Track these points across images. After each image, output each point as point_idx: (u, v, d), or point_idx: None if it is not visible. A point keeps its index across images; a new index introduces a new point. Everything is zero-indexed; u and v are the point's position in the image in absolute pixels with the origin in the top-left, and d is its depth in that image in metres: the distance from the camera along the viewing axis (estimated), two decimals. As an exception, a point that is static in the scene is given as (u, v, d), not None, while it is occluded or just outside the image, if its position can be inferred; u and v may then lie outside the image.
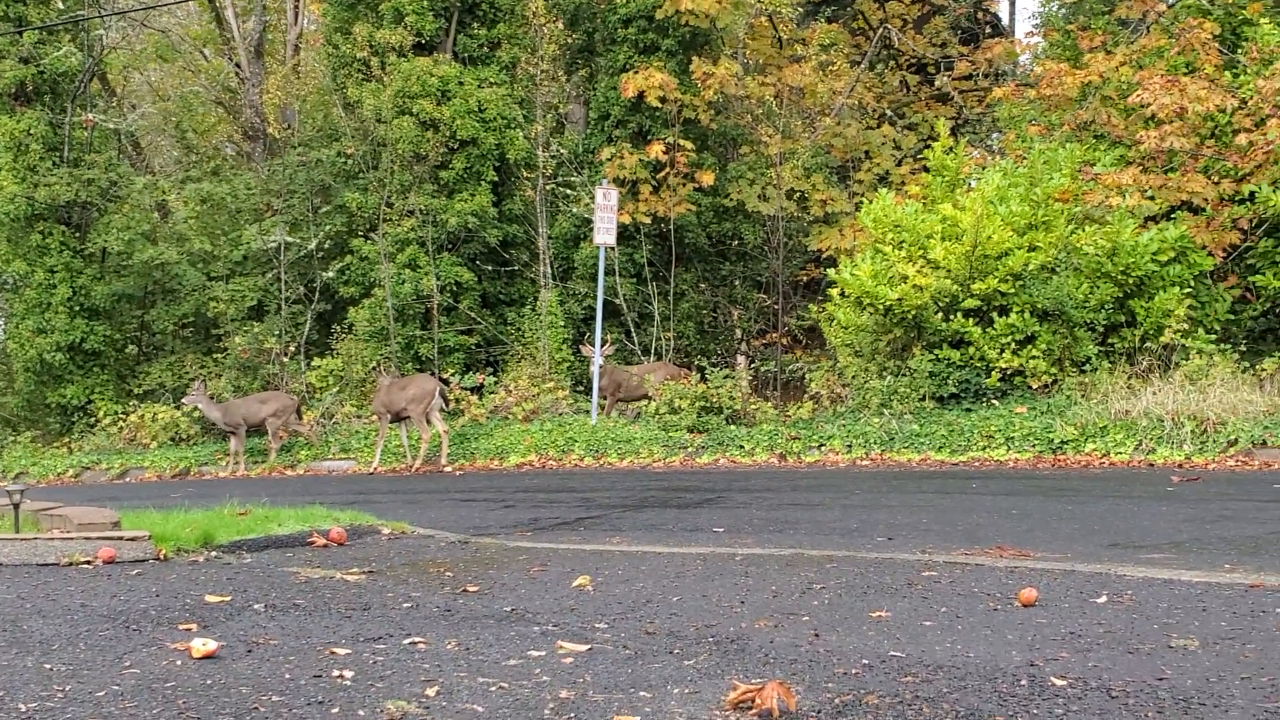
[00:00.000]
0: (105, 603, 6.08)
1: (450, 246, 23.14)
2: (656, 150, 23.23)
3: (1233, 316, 17.87)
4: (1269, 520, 9.31)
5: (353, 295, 23.49)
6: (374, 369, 21.93)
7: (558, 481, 15.53)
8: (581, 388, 21.76)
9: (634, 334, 23.91)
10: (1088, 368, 16.65)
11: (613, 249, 21.90)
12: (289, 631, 5.41)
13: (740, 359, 23.18)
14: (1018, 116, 22.29)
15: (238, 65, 31.55)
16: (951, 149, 19.28)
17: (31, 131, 23.60)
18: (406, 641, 5.18)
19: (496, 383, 21.46)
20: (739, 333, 26.61)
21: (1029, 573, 6.75)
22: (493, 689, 4.38)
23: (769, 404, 19.62)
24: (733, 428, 18.10)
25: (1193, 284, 17.20)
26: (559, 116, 26.89)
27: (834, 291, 18.66)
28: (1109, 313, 17.03)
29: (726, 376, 19.39)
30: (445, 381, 20.50)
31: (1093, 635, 5.20)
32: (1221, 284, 18.00)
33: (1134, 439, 14.78)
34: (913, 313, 17.06)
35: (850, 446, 16.60)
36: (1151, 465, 14.07)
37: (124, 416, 22.76)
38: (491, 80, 23.61)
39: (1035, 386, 16.78)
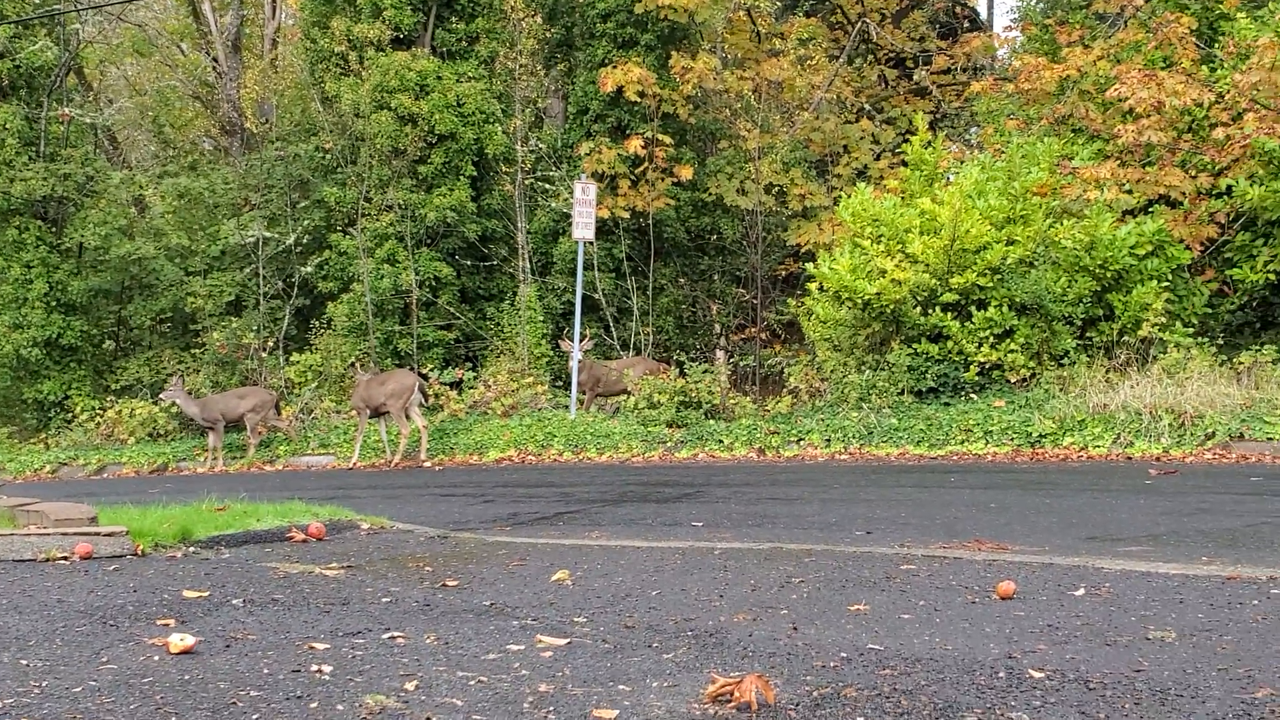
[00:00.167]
0: (82, 598, 6.05)
1: (429, 241, 23.10)
2: (635, 145, 23.23)
3: (1210, 310, 17.94)
4: (1246, 513, 9.35)
5: (331, 290, 23.43)
6: (351, 365, 21.87)
7: (537, 476, 15.52)
8: (561, 383, 21.75)
9: (613, 329, 23.92)
10: (1066, 361, 16.71)
11: (591, 244, 21.89)
12: (267, 626, 5.39)
13: (719, 354, 23.20)
14: (996, 111, 22.35)
15: (215, 60, 31.44)
16: (930, 143, 19.32)
17: (7, 126, 23.47)
18: (385, 636, 5.17)
19: (475, 378, 21.44)
20: (718, 327, 26.63)
21: (1007, 566, 6.78)
22: (472, 683, 4.37)
23: (748, 399, 19.65)
24: (711, 422, 18.11)
25: (1170, 278, 17.26)
26: (538, 111, 26.87)
27: (812, 286, 18.67)
28: (1087, 306, 17.08)
29: (705, 371, 19.40)
30: (424, 377, 20.47)
31: (1070, 627, 5.22)
32: (1199, 277, 18.07)
33: (1112, 432, 14.83)
34: (891, 307, 17.09)
35: (829, 441, 16.62)
36: (1129, 458, 14.13)
37: (101, 412, 22.68)
38: (470, 75, 23.57)
39: (1013, 380, 16.83)
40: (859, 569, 6.82)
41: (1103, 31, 21.00)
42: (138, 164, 31.87)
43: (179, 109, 32.48)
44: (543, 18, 25.72)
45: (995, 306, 16.82)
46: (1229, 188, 17.31)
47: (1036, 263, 17.09)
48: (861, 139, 26.52)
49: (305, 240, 24.48)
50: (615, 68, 23.34)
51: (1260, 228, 17.76)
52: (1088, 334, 17.26)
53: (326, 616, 5.63)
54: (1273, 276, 17.55)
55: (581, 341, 20.23)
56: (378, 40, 23.19)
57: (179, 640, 4.84)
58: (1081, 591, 5.97)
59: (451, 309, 23.05)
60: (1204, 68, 18.41)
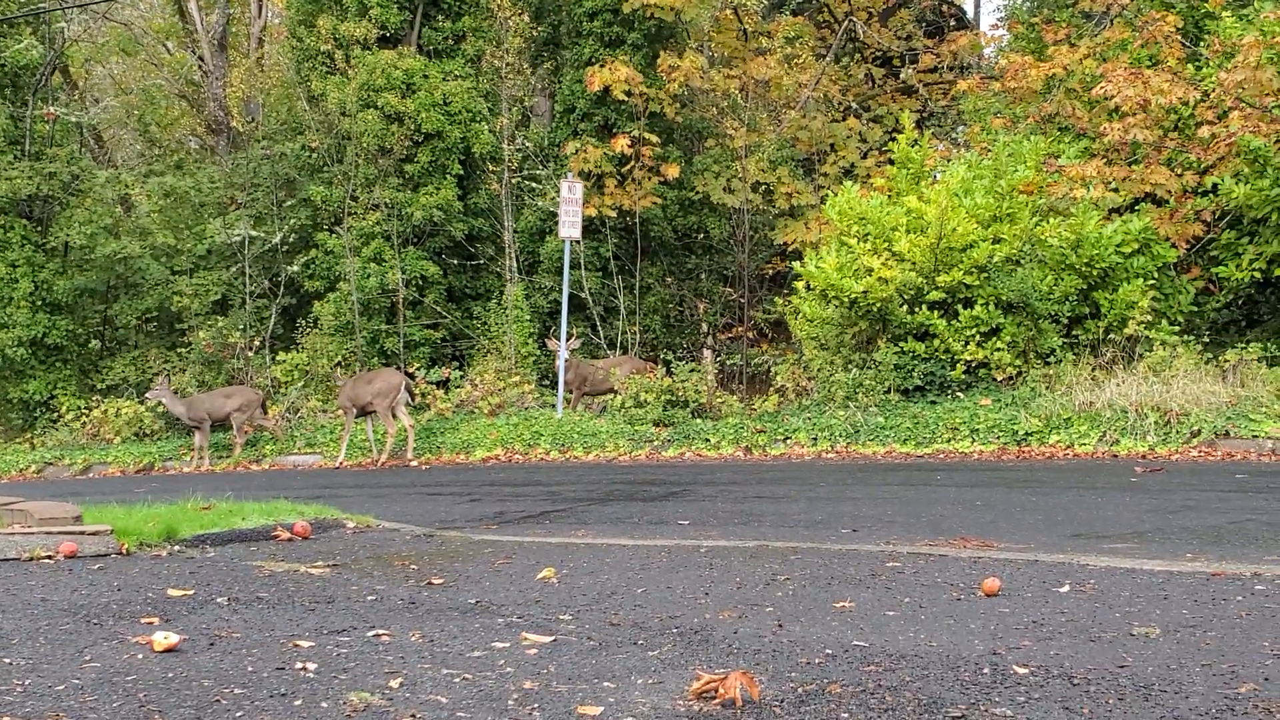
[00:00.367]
0: (66, 597, 6.03)
1: (415, 240, 23.08)
2: (622, 144, 23.23)
3: (1196, 308, 17.99)
4: (1231, 510, 9.38)
5: (318, 289, 23.39)
6: (336, 365, 21.84)
7: (524, 475, 15.51)
8: (547, 382, 21.75)
9: (600, 328, 23.91)
10: (1052, 359, 16.74)
11: (578, 242, 21.88)
12: (252, 624, 5.37)
13: (707, 353, 23.20)
14: (982, 109, 22.38)
15: (201, 58, 31.37)
16: (916, 142, 19.34)
17: (-8, 125, 23.43)
18: (370, 634, 5.16)
19: (462, 377, 21.42)
20: (705, 326, 26.64)
21: (992, 563, 6.79)
22: (457, 680, 4.37)
23: (735, 397, 19.66)
24: (698, 421, 18.12)
25: (1156, 276, 17.30)
26: (524, 110, 26.86)
27: (799, 284, 18.69)
28: (1073, 304, 17.11)
29: (692, 370, 19.41)
30: (411, 376, 20.45)
31: (1055, 624, 5.22)
32: (1185, 276, 18.11)
33: (1098, 430, 14.86)
34: (878, 305, 17.10)
35: (815, 439, 16.63)
36: (1115, 456, 14.15)
37: (87, 412, 22.62)
38: (456, 73, 23.55)
39: (1000, 378, 16.86)
40: (844, 566, 6.83)
41: (1089, 30, 21.05)
42: (123, 163, 31.80)
43: (165, 108, 32.35)
44: (529, 16, 25.71)
45: (982, 305, 16.84)
46: (1214, 186, 17.35)
47: (1023, 261, 17.11)
48: (848, 137, 26.56)
49: (291, 239, 24.45)
50: (603, 67, 23.34)
51: (1246, 226, 17.80)
52: (1074, 332, 17.29)
53: (311, 615, 5.62)
54: (1258, 274, 17.60)
55: (568, 341, 20.23)
56: (364, 39, 23.16)
57: (163, 638, 4.83)
58: (1066, 588, 5.98)
59: (438, 308, 23.03)
60: (1190, 66, 18.45)
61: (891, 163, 19.94)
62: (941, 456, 15.14)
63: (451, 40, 24.25)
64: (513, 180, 24.30)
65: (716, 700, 4.03)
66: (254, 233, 24.03)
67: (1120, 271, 17.11)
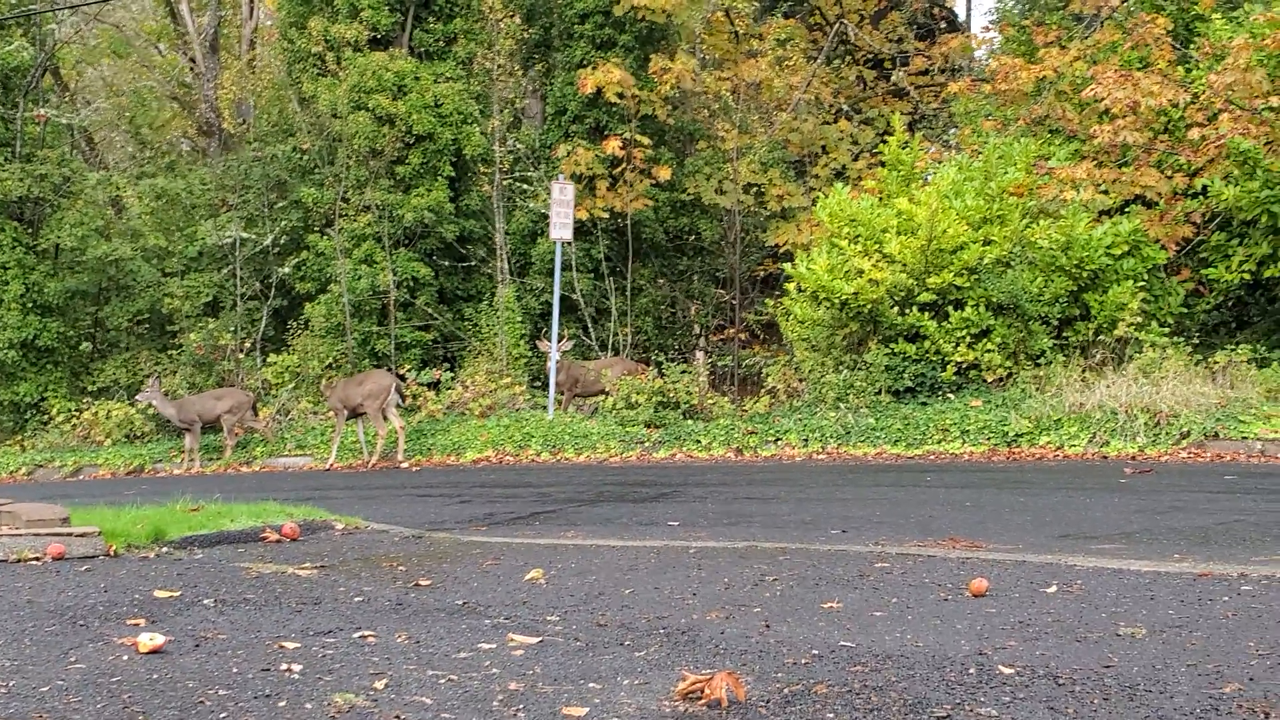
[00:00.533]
0: (53, 598, 6.03)
1: (407, 242, 23.06)
2: (613, 146, 23.23)
3: (1186, 309, 18.00)
4: (1219, 511, 9.40)
5: (309, 291, 23.36)
6: (326, 368, 21.82)
7: (514, 477, 15.51)
8: (539, 383, 21.74)
9: (591, 329, 23.91)
10: (1042, 361, 16.75)
11: (570, 244, 21.88)
12: (238, 626, 5.37)
13: (699, 354, 23.20)
14: (973, 111, 22.41)
15: (192, 60, 31.35)
16: (906, 144, 19.36)
17: (-18, 126, 23.40)
18: (356, 635, 5.16)
19: (453, 378, 21.40)
20: (697, 328, 26.65)
21: (980, 564, 6.79)
22: (442, 681, 4.37)
23: (726, 399, 19.67)
24: (689, 422, 18.11)
25: (1146, 277, 17.32)
26: (516, 111, 26.84)
27: (790, 286, 18.68)
28: (1063, 306, 17.13)
29: (684, 372, 19.42)
30: (402, 377, 20.43)
31: (1041, 624, 5.23)
32: (1174, 277, 18.14)
33: (1088, 431, 14.87)
34: (868, 307, 17.11)
35: (806, 441, 16.63)
36: (1105, 458, 14.17)
37: (78, 414, 22.58)
38: (448, 75, 23.54)
39: (990, 380, 16.87)
40: (833, 567, 6.83)
41: (1079, 32, 21.08)
42: (115, 165, 31.74)
43: (156, 110, 32.35)
44: (521, 18, 25.70)
45: (972, 306, 16.85)
46: (1204, 188, 17.37)
47: (1013, 263, 17.13)
48: (840, 140, 26.57)
49: (283, 241, 24.41)
50: (595, 69, 23.34)
51: (1235, 228, 17.83)
52: (1064, 334, 17.31)
53: (298, 616, 5.61)
54: (1248, 276, 17.62)
55: (559, 342, 20.22)
56: (355, 40, 23.15)
57: (148, 640, 4.83)
58: (1053, 589, 5.99)
59: (429, 310, 23.01)
60: (1180, 68, 18.48)
61: (882, 165, 19.95)
62: (932, 458, 15.15)
63: (443, 42, 24.24)
64: (504, 182, 24.29)
65: (702, 701, 4.04)
66: (245, 235, 23.99)
67: (1110, 273, 17.13)
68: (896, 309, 17.21)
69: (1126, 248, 17.13)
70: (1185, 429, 14.31)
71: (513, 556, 7.56)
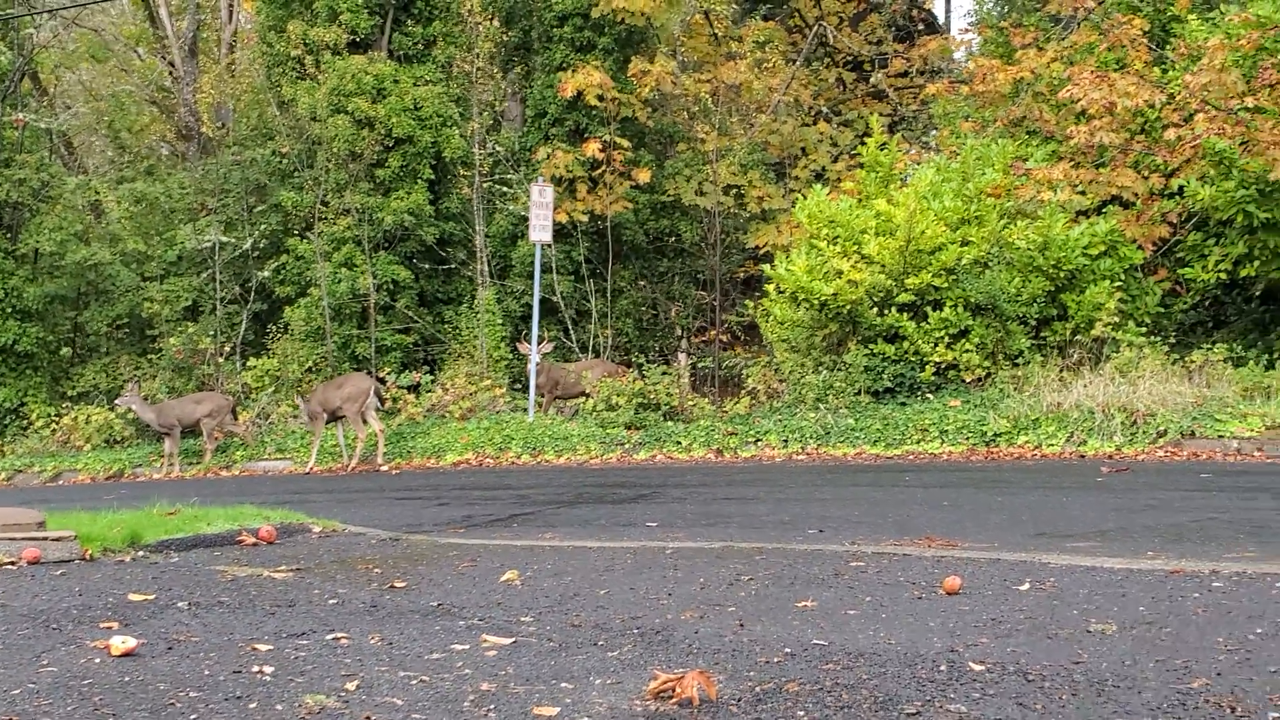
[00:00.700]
0: (26, 602, 6.02)
1: (387, 245, 23.03)
2: (593, 148, 23.23)
3: (1162, 309, 18.08)
4: (1193, 509, 9.45)
5: (289, 295, 23.31)
6: (306, 372, 21.77)
7: (494, 479, 15.51)
8: (519, 386, 21.73)
9: (572, 331, 23.90)
10: (1020, 361, 16.81)
11: (549, 246, 21.88)
12: (211, 628, 5.37)
13: (681, 356, 23.20)
14: (952, 113, 22.47)
15: (171, 64, 31.26)
16: (885, 145, 19.41)
17: (-40, 131, 23.31)
18: (329, 637, 5.16)
19: (433, 381, 21.37)
20: (679, 330, 26.66)
21: (955, 562, 6.82)
22: (413, 682, 4.37)
23: (706, 400, 19.69)
24: (670, 424, 18.13)
25: (1123, 277, 17.40)
26: (495, 114, 26.84)
27: (770, 287, 18.72)
28: (1041, 306, 17.19)
29: (664, 373, 19.43)
30: (381, 380, 20.41)
31: (1013, 621, 5.26)
32: (1151, 277, 18.21)
33: (1065, 431, 14.93)
34: (848, 308, 17.15)
35: (786, 441, 16.66)
36: (1082, 456, 14.23)
37: (57, 419, 22.49)
38: (427, 78, 23.52)
39: (969, 380, 16.92)
40: (809, 566, 6.85)
41: (1056, 34, 21.15)
42: (94, 169, 31.66)
43: (135, 114, 32.21)
44: (500, 21, 25.70)
45: (950, 307, 16.90)
46: (1180, 188, 17.45)
47: (991, 263, 17.19)
48: (819, 141, 26.62)
49: (262, 245, 24.36)
50: (574, 72, 23.35)
51: (1211, 228, 17.91)
52: (1042, 334, 17.37)
53: (271, 618, 5.61)
54: (1224, 276, 17.70)
55: (540, 344, 20.22)
56: (334, 44, 23.11)
57: (120, 642, 4.83)
58: (1026, 586, 6.02)
59: (410, 312, 22.99)
60: (1156, 69, 18.57)
61: (861, 166, 20.00)
62: (911, 458, 15.19)
63: (422, 45, 24.22)
64: (484, 185, 24.28)
65: (673, 700, 4.05)
66: (225, 238, 23.92)
67: (1087, 273, 17.21)
68: (875, 310, 17.25)
69: (1103, 248, 17.20)
70: (1162, 428, 14.38)
71: (489, 558, 7.57)
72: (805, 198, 19.02)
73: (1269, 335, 17.87)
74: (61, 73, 32.67)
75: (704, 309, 26.29)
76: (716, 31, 28.97)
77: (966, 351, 16.81)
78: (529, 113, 25.44)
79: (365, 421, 18.70)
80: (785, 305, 18.28)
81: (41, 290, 23.88)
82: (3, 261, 23.74)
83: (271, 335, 23.21)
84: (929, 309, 17.12)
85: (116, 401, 21.12)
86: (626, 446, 17.61)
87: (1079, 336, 16.86)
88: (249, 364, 22.93)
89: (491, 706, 4.03)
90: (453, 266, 24.25)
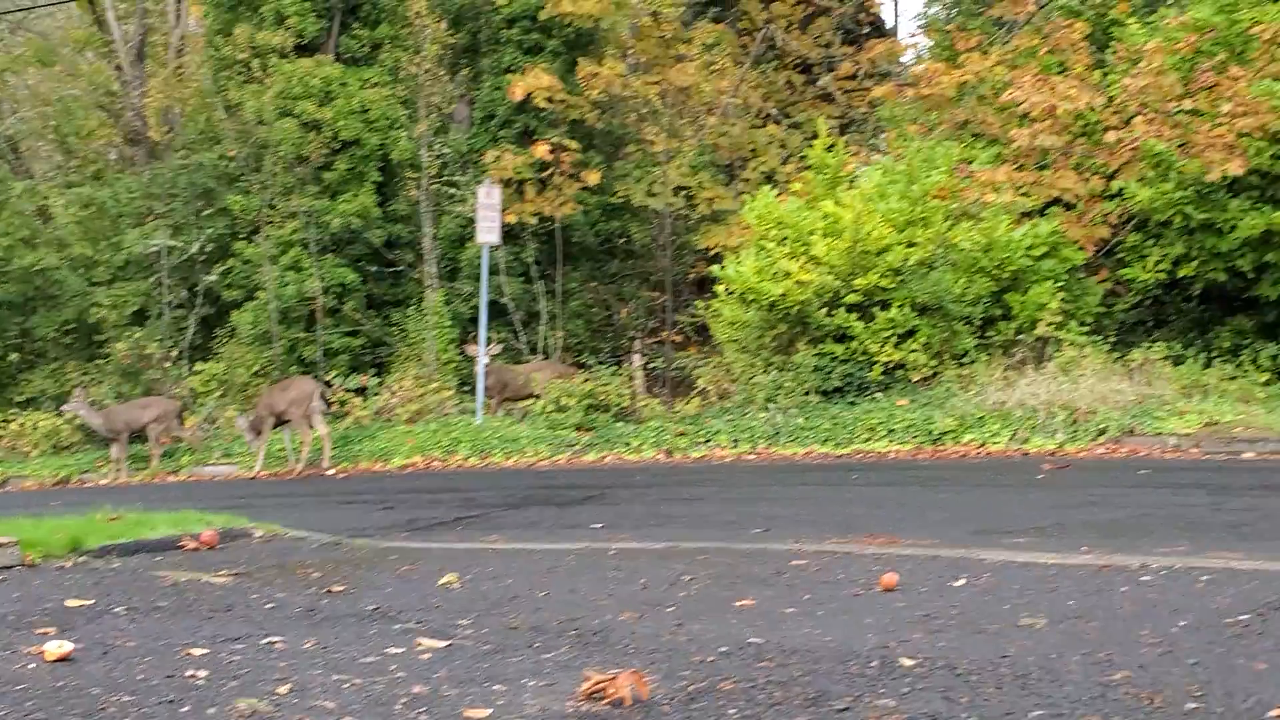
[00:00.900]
0: (-36, 610, 5.99)
1: (334, 248, 22.93)
2: (542, 150, 23.19)
3: (1104, 309, 18.26)
4: (1130, 505, 9.59)
5: (236, 299, 23.17)
6: (254, 375, 21.65)
7: (441, 482, 15.48)
8: (468, 388, 21.63)
9: (521, 333, 23.88)
10: (966, 360, 16.94)
11: (498, 248, 21.85)
12: (148, 633, 5.37)
13: (635, 357, 23.20)
14: (899, 116, 22.60)
15: (119, 68, 30.98)
16: (832, 147, 19.49)
17: (-97, 135, 23.06)
18: (265, 641, 5.17)
19: (381, 384, 21.27)
20: (631, 331, 26.68)
21: (895, 559, 6.88)
22: (346, 686, 4.39)
23: (657, 400, 19.72)
24: (620, 425, 18.14)
25: (1065, 278, 17.54)
26: (443, 116, 26.75)
27: (720, 288, 18.78)
28: (986, 306, 17.33)
29: (615, 374, 19.44)
30: (328, 384, 20.32)
31: (946, 617, 5.33)
32: (1093, 278, 18.41)
33: (1009, 429, 15.07)
34: (796, 308, 17.23)
35: (736, 441, 16.71)
36: (1026, 454, 14.36)
37: (4, 425, 22.26)
38: (374, 81, 23.45)
39: (916, 379, 17.02)
40: (750, 566, 6.91)
41: (1000, 37, 21.31)
42: (41, 174, 31.34)
43: (83, 118, 31.91)
44: (448, 23, 25.62)
45: (897, 307, 17.00)
46: (1120, 190, 17.65)
47: (936, 264, 17.32)
48: (769, 143, 26.71)
49: (209, 249, 24.17)
50: (524, 75, 23.30)
51: (1151, 228, 18.12)
52: (987, 333, 17.50)
53: (209, 623, 5.62)
54: (1163, 276, 17.92)
55: (488, 346, 20.17)
56: (281, 47, 22.99)
57: (55, 647, 4.82)
58: (962, 582, 6.10)
59: (357, 315, 22.91)
60: (1096, 73, 18.76)
61: (810, 168, 20.07)
62: (859, 457, 15.29)
63: (369, 48, 24.14)
64: (432, 187, 24.21)
65: (606, 700, 4.08)
66: (172, 243, 23.75)
67: (1030, 274, 17.36)
68: (824, 310, 17.32)
69: (1046, 249, 17.37)
70: (1103, 425, 14.56)
71: (430, 562, 7.57)
72: (755, 199, 19.09)
73: (1207, 334, 18.13)
74: (7, 77, 32.34)
75: (656, 310, 26.33)
76: (665, 34, 29.00)
77: (913, 351, 16.92)
78: (477, 115, 25.41)
79: (311, 425, 18.59)
80: (735, 306, 18.35)
81: (-13, 296, 23.66)
82: (-52, 268, 23.50)
83: (219, 339, 23.07)
84: (876, 309, 17.21)
85: (64, 407, 20.92)
86: (576, 448, 17.60)
87: (1023, 336, 17.00)
88: (196, 369, 22.78)
89: (423, 709, 4.06)
90: (401, 269, 24.18)
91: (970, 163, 18.27)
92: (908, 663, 4.53)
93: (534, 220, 23.47)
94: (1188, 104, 16.53)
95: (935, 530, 8.46)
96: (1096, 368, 15.63)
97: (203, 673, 4.57)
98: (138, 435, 20.30)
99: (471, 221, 22.65)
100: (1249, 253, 16.95)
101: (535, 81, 22.88)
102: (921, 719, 3.85)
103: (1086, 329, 17.19)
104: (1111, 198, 17.98)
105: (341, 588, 6.63)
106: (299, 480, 17.58)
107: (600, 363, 21.07)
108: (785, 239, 17.90)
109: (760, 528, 9.16)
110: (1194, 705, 3.87)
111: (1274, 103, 16.27)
